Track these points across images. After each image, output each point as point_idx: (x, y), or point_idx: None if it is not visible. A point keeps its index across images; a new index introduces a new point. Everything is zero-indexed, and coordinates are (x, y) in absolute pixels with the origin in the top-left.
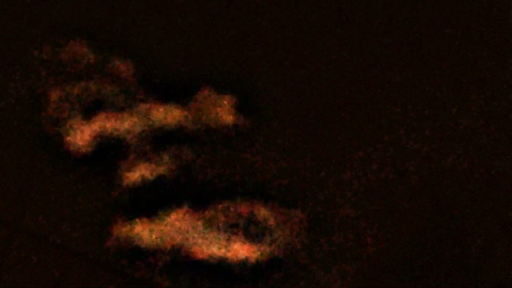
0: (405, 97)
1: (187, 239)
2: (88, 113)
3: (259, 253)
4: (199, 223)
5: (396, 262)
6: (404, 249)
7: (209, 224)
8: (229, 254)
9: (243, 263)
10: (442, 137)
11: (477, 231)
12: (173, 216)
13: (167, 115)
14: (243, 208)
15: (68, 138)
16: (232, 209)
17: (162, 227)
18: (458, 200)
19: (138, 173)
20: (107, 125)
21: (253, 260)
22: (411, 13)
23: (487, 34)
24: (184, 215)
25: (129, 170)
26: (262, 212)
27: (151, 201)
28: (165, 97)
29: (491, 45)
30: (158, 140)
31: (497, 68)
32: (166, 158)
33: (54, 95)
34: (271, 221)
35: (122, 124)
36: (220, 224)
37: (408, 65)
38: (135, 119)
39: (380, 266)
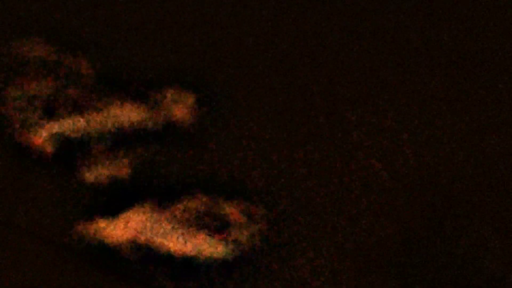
0: (390, 91)
1: (151, 235)
2: (48, 112)
3: (224, 249)
4: (163, 219)
5: (381, 260)
6: (389, 247)
7: (173, 220)
8: (194, 250)
9: (209, 259)
10: (436, 134)
11: (469, 229)
12: (136, 213)
13: (127, 113)
14: (207, 205)
15: (28, 137)
16: (195, 205)
17: (126, 224)
18: (450, 198)
19: (100, 171)
20: (67, 124)
21: (218, 256)
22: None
23: (488, 34)
24: (147, 212)
25: (90, 169)
26: (226, 208)
27: (114, 199)
28: (125, 95)
29: (492, 44)
30: (119, 138)
31: (496, 67)
32: (127, 156)
33: (12, 93)
34: (235, 218)
35: (82, 123)
36: (184, 221)
37: (397, 59)
38: (96, 118)
39: (364, 264)
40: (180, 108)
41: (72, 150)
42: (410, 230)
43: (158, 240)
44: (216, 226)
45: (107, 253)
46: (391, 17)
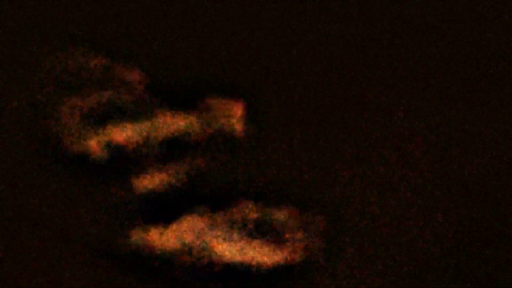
0: (434, 98)
1: (203, 243)
2: (101, 121)
3: (277, 256)
4: (216, 227)
5: (434, 264)
6: (444, 250)
7: (226, 228)
8: (246, 257)
9: (261, 266)
10: (489, 138)
11: None
12: (188, 221)
13: (177, 122)
14: (260, 212)
15: (82, 146)
16: (248, 213)
17: (178, 232)
18: (502, 202)
19: (152, 179)
20: (119, 134)
21: (270, 263)
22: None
23: (489, 34)
24: (199, 219)
25: (142, 177)
26: (279, 216)
27: (166, 207)
28: (175, 104)
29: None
30: (170, 146)
31: None
32: (179, 164)
33: (66, 103)
34: (288, 225)
35: (135, 131)
36: (237, 228)
37: (429, 65)
38: (148, 126)
39: (415, 269)
40: (229, 116)
41: (125, 158)
42: (467, 233)
43: (211, 247)
44: (270, 234)
45: (160, 260)
46: (413, 20)
